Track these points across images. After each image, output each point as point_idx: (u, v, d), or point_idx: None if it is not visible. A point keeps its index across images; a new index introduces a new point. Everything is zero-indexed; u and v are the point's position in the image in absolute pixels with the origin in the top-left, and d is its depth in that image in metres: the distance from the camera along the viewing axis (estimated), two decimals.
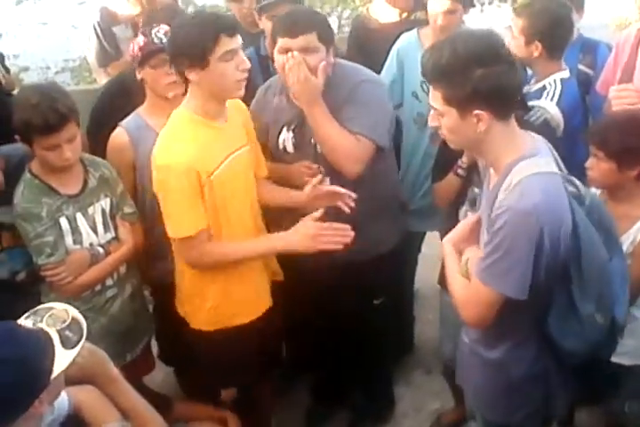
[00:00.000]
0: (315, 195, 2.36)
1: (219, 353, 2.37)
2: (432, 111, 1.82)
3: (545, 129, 2.47)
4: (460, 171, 2.44)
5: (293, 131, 2.51)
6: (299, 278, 2.51)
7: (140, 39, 2.44)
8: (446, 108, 1.75)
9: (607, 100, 2.69)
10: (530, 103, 2.57)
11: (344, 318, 2.66)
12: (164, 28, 2.44)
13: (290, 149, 2.53)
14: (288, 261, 2.48)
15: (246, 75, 2.17)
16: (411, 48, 3.00)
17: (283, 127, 2.52)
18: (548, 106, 2.61)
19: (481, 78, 1.67)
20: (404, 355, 3.29)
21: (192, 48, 2.08)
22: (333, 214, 2.48)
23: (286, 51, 2.33)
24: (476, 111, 1.71)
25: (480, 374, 2.07)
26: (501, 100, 1.72)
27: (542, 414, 2.07)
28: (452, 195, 2.50)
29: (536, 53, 2.66)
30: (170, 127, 2.23)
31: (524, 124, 1.99)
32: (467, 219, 2.03)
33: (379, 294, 2.71)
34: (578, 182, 1.91)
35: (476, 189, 2.22)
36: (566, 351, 1.90)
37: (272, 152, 2.56)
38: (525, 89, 2.70)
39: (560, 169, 1.85)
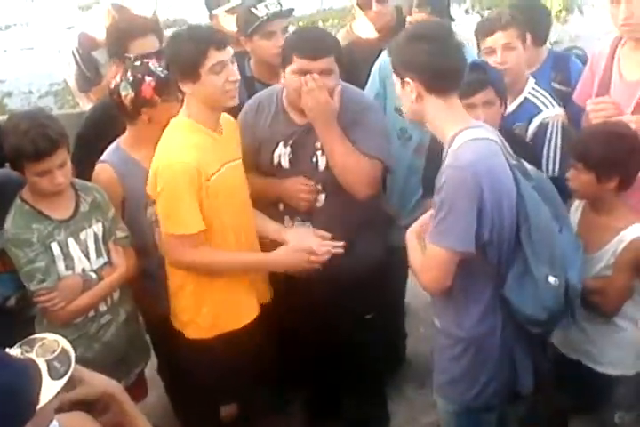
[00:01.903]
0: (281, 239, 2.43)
1: (214, 365, 2.40)
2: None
3: (568, 133, 2.63)
4: None
5: (291, 147, 2.54)
6: (289, 294, 2.54)
7: (148, 80, 2.40)
8: (394, 79, 2.03)
9: (585, 113, 2.75)
10: (542, 118, 2.65)
11: (336, 334, 2.68)
12: (152, 57, 2.49)
13: (285, 164, 2.56)
14: (278, 277, 2.52)
15: (237, 85, 2.26)
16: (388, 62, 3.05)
17: (279, 143, 2.55)
18: (555, 111, 2.69)
19: (414, 51, 1.94)
20: (397, 369, 3.31)
21: (183, 62, 2.19)
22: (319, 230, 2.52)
23: (305, 72, 2.37)
24: (406, 79, 1.95)
25: (449, 356, 2.15)
26: (431, 74, 1.93)
27: (509, 389, 2.14)
28: None
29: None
30: (170, 133, 2.31)
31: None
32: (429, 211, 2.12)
33: (369, 309, 2.73)
34: (525, 162, 2.10)
35: None
36: (526, 318, 2.00)
37: (264, 168, 2.59)
38: None
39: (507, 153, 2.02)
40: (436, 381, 2.26)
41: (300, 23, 8.04)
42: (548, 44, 3.50)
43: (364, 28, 3.50)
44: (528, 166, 2.10)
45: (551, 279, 1.98)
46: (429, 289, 2.07)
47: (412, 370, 3.33)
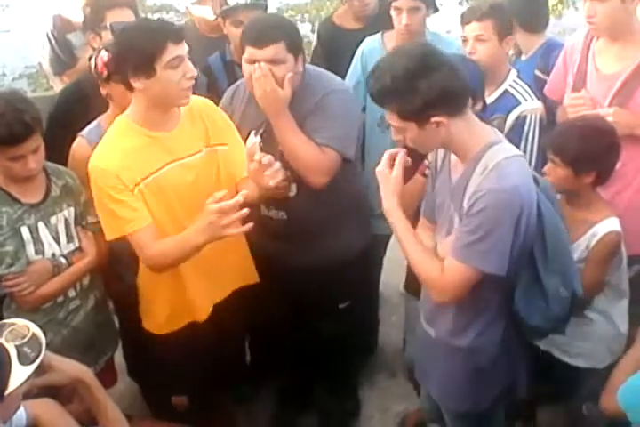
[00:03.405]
0: (255, 170, 2.23)
1: (168, 357, 2.38)
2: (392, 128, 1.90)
3: (545, 126, 2.63)
4: (427, 171, 2.46)
5: (261, 136, 2.50)
6: (262, 283, 2.52)
7: (104, 55, 2.40)
8: (405, 124, 1.84)
9: (562, 107, 2.76)
10: (520, 111, 2.64)
11: (309, 323, 2.68)
12: None
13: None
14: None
15: (192, 82, 2.17)
16: (375, 51, 3.02)
17: (250, 132, 2.52)
18: (534, 104, 2.68)
19: (427, 89, 1.77)
20: (369, 358, 3.32)
21: (137, 56, 2.07)
22: (298, 221, 2.51)
23: (253, 61, 2.33)
24: (434, 119, 1.80)
25: (449, 365, 2.13)
26: (452, 101, 1.82)
27: (506, 396, 2.16)
28: (418, 197, 2.53)
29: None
30: (107, 132, 2.25)
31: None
32: (385, 179, 2.05)
33: (344, 298, 2.73)
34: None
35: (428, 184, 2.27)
36: (532, 328, 2.00)
37: None
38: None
39: None
40: (433, 391, 2.26)
41: (292, 12, 8.01)
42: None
43: (346, 18, 3.48)
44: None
45: (561, 291, 1.98)
46: (443, 302, 1.99)
47: (384, 359, 3.35)
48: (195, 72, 2.16)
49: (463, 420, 2.25)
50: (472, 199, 1.84)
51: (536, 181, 1.97)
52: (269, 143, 2.50)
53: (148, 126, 2.21)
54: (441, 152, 2.08)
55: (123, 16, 2.97)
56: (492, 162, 1.84)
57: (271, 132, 2.47)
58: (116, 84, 2.36)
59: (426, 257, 1.96)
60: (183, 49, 2.12)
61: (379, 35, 3.12)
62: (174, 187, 2.25)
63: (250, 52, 2.34)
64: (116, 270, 2.58)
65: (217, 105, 2.51)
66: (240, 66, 2.92)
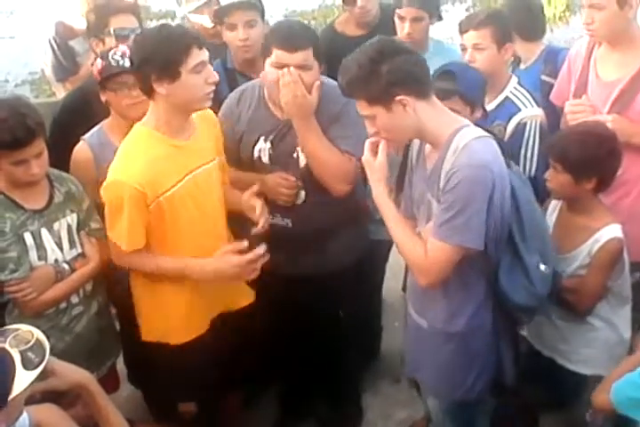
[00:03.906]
0: (250, 205, 2.37)
1: (173, 365, 2.37)
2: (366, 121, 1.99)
3: (547, 132, 2.65)
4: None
5: (272, 142, 2.51)
6: (263, 292, 2.51)
7: (99, 62, 2.44)
8: (374, 110, 1.94)
9: (564, 115, 2.77)
10: (520, 118, 2.65)
11: (310, 330, 2.67)
12: (122, 49, 2.44)
13: (265, 159, 2.54)
14: None
15: (214, 88, 2.18)
16: None
17: (260, 137, 2.52)
18: (534, 111, 2.69)
19: (388, 71, 1.89)
20: (372, 364, 3.31)
21: (162, 60, 2.08)
22: (303, 228, 2.51)
23: (282, 66, 2.33)
24: (398, 98, 1.89)
25: (442, 354, 2.17)
26: (414, 82, 1.92)
27: (495, 381, 2.19)
28: None
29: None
30: (126, 143, 2.24)
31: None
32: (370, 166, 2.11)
33: (345, 305, 2.73)
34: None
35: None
36: (518, 306, 2.05)
37: (244, 162, 2.57)
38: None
39: None
40: (427, 381, 2.28)
41: (299, 18, 8.03)
42: (545, 40, 3.53)
43: (348, 24, 3.49)
44: None
45: (542, 267, 2.04)
46: (430, 285, 2.04)
47: (387, 365, 3.33)
48: (217, 77, 2.18)
49: (452, 413, 2.27)
50: (446, 178, 1.91)
51: (508, 165, 2.04)
52: (280, 149, 2.51)
53: (170, 134, 2.21)
54: (416, 147, 2.14)
55: (126, 22, 3.00)
56: (463, 142, 1.91)
57: (284, 138, 2.48)
58: (111, 91, 2.41)
59: (411, 240, 2.03)
60: (205, 54, 2.15)
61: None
62: (194, 196, 2.27)
63: (279, 56, 2.34)
64: (117, 277, 2.58)
65: (217, 112, 2.52)
66: (241, 73, 2.98)
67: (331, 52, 3.42)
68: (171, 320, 2.37)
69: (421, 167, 2.09)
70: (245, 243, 2.26)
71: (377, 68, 1.88)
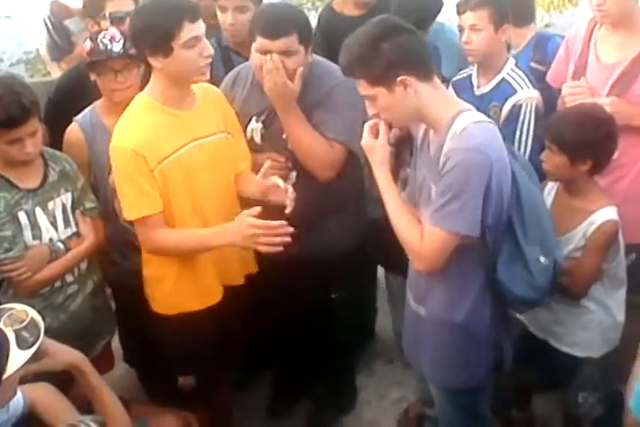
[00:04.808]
0: (265, 186, 2.31)
1: (176, 339, 2.39)
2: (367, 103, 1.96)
3: (542, 115, 2.64)
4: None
5: (263, 122, 2.50)
6: (261, 272, 2.52)
7: (87, 44, 2.44)
8: (375, 90, 1.91)
9: (561, 96, 2.75)
10: (516, 100, 2.64)
11: (306, 311, 2.67)
12: (112, 32, 2.43)
13: (257, 139, 2.53)
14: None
15: (209, 60, 2.18)
16: None
17: (252, 118, 2.51)
18: (530, 93, 2.68)
19: (390, 50, 1.86)
20: (366, 344, 3.32)
21: (154, 35, 2.08)
22: (296, 209, 2.50)
23: (265, 52, 2.31)
24: (400, 78, 1.86)
25: (442, 342, 2.15)
26: (416, 62, 1.89)
27: (496, 369, 2.18)
28: None
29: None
30: (127, 111, 2.25)
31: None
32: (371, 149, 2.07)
33: (340, 287, 2.72)
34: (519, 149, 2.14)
35: (409, 170, 2.28)
36: (518, 298, 2.04)
37: None
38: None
39: None
40: (427, 369, 2.27)
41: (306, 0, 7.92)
42: (534, 25, 3.50)
43: (346, 4, 3.46)
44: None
45: (542, 259, 2.02)
46: (425, 270, 2.02)
47: (381, 345, 3.36)
48: (211, 50, 2.17)
49: (454, 399, 2.27)
50: (442, 162, 1.89)
51: (512, 153, 2.01)
52: (272, 130, 2.50)
53: (169, 104, 2.22)
54: (420, 132, 2.10)
55: (123, 5, 2.98)
56: (461, 126, 1.89)
57: (274, 119, 2.47)
58: (97, 74, 2.42)
59: (409, 225, 2.00)
60: (200, 27, 2.13)
61: None
62: (194, 167, 2.26)
63: (262, 43, 2.32)
64: (112, 257, 2.59)
65: None
66: (236, 52, 2.96)
67: (329, 31, 3.43)
68: (183, 290, 2.36)
69: (425, 152, 2.06)
70: (259, 208, 2.17)
71: (378, 47, 1.86)
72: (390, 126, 2.07)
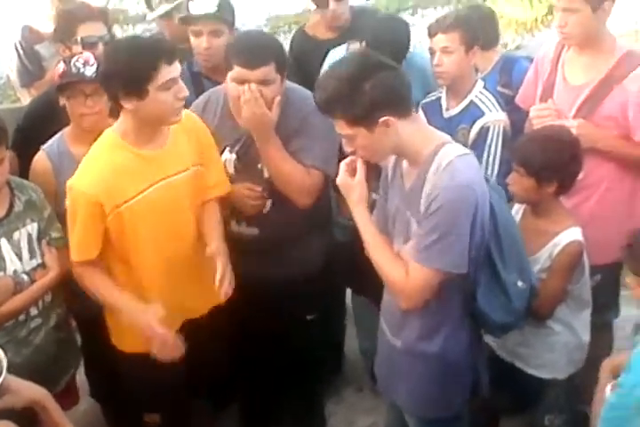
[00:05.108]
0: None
1: (140, 375, 2.35)
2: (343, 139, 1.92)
3: (510, 138, 2.67)
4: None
5: (237, 153, 2.50)
6: (231, 300, 2.46)
7: (60, 66, 2.44)
8: (354, 130, 1.86)
9: (528, 119, 2.78)
10: (483, 122, 2.68)
11: (278, 336, 2.66)
12: (86, 56, 2.43)
13: (231, 170, 2.52)
14: None
15: (184, 102, 2.16)
16: None
17: (225, 148, 2.50)
18: (497, 116, 2.72)
19: (371, 89, 1.80)
20: (336, 371, 3.30)
21: (129, 77, 2.04)
22: (269, 237, 2.50)
23: (243, 82, 2.31)
24: (382, 119, 1.82)
25: (418, 373, 2.13)
26: (398, 101, 1.85)
27: (473, 397, 2.18)
28: None
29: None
30: (93, 148, 2.22)
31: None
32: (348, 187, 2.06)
33: (312, 310, 2.72)
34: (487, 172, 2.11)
35: (374, 195, 2.29)
36: (496, 324, 2.04)
37: None
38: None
39: None
40: (402, 400, 2.24)
41: (281, 22, 7.97)
42: (500, 48, 3.54)
43: (319, 28, 3.48)
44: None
45: (519, 284, 2.02)
46: (409, 307, 2.00)
47: (350, 371, 3.33)
48: (187, 92, 2.14)
49: None
50: (428, 200, 1.86)
51: (486, 178, 2.01)
52: (246, 160, 2.50)
53: (137, 144, 2.18)
54: (391, 162, 2.09)
55: (95, 30, 2.97)
56: (445, 161, 1.86)
57: (248, 149, 2.47)
58: (67, 98, 2.40)
59: (393, 263, 1.97)
60: (177, 69, 2.09)
61: (343, 46, 3.11)
62: (159, 208, 2.23)
63: (240, 72, 2.31)
64: (78, 288, 2.56)
65: None
66: (207, 77, 2.97)
67: (302, 55, 3.45)
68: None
69: (398, 183, 2.05)
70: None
71: (360, 87, 1.79)
72: (367, 163, 2.04)
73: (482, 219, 1.87)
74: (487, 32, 3.20)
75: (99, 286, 2.25)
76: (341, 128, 1.89)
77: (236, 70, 2.31)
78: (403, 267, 1.94)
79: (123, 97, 2.08)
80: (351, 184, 2.02)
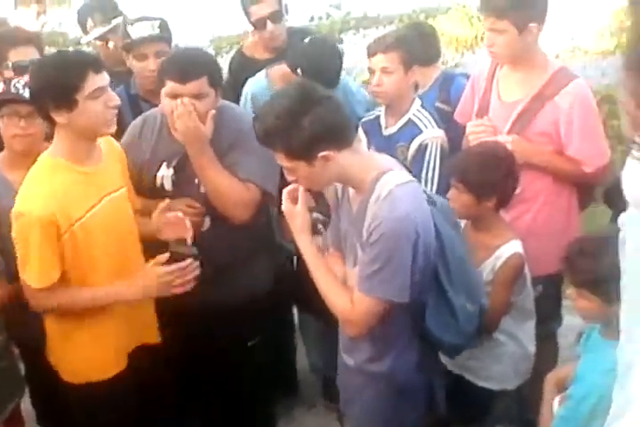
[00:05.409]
0: (163, 222, 2.32)
1: (87, 404, 2.29)
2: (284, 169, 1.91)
3: (448, 154, 2.68)
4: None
5: (174, 168, 2.48)
6: (172, 323, 2.45)
7: (0, 86, 2.41)
8: (294, 163, 1.85)
9: (465, 136, 2.83)
10: (422, 140, 2.70)
11: (221, 362, 2.61)
12: (27, 79, 2.36)
13: (168, 186, 2.50)
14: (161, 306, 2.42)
15: (116, 111, 2.15)
16: (263, 91, 2.98)
17: (162, 164, 2.48)
18: (435, 133, 2.75)
19: (311, 125, 1.78)
20: (287, 392, 3.23)
21: (57, 88, 2.03)
22: (209, 256, 2.45)
23: (175, 96, 2.31)
24: (321, 154, 1.81)
25: (370, 392, 2.13)
26: (337, 135, 1.84)
27: (428, 414, 2.16)
28: None
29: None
30: (32, 173, 2.17)
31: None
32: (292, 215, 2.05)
33: (256, 333, 2.68)
34: (426, 188, 2.09)
35: (315, 214, 2.28)
36: (447, 346, 2.05)
37: (147, 190, 2.52)
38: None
39: None
40: (356, 418, 2.23)
41: (224, 43, 7.98)
42: (440, 64, 3.62)
43: (256, 48, 3.50)
44: (426, 189, 2.13)
45: (468, 306, 2.03)
46: (355, 335, 2.01)
47: (302, 390, 3.29)
48: (118, 101, 2.14)
49: None
50: (369, 229, 1.87)
51: (432, 202, 2.02)
52: (183, 176, 2.48)
53: (76, 162, 2.16)
54: (339, 185, 2.08)
55: (27, 54, 2.93)
56: (385, 190, 1.87)
57: (185, 164, 2.45)
58: (1, 117, 2.36)
59: (338, 292, 1.97)
60: (104, 79, 2.10)
61: (263, 72, 3.11)
62: (109, 223, 2.22)
63: (173, 87, 2.31)
64: (22, 316, 2.48)
65: (120, 139, 2.48)
66: (145, 100, 2.94)
67: (240, 75, 3.46)
68: (89, 360, 2.27)
69: (346, 205, 2.05)
70: (167, 255, 2.23)
71: (299, 122, 1.78)
72: (309, 190, 2.05)
73: (424, 246, 1.87)
74: (427, 49, 3.28)
75: (70, 296, 2.20)
76: (281, 160, 1.89)
77: (169, 85, 2.32)
78: (348, 295, 1.95)
79: (53, 110, 2.07)
80: (294, 212, 2.02)
